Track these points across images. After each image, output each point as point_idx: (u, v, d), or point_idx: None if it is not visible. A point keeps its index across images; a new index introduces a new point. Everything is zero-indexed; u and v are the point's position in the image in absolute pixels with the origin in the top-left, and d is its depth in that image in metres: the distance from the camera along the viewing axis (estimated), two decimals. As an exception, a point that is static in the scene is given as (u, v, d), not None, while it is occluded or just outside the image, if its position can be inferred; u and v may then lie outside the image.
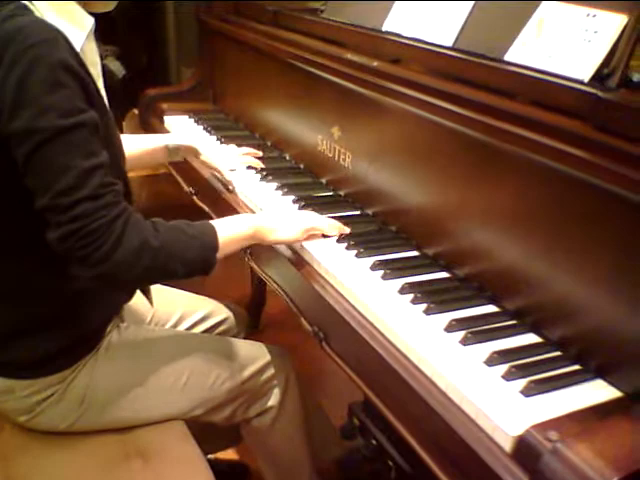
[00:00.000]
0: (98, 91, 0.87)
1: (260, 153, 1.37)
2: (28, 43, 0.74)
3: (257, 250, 1.10)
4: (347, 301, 0.89)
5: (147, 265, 0.81)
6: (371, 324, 0.83)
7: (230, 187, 1.27)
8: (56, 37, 0.76)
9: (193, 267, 0.88)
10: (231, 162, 1.31)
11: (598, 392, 0.69)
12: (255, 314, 1.98)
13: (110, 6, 0.93)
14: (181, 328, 1.22)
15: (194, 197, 1.41)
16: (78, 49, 0.82)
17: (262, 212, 1.10)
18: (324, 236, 1.03)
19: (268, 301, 1.98)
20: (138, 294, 1.08)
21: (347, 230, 1.04)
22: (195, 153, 1.28)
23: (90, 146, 0.79)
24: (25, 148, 0.76)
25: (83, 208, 0.76)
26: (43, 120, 0.75)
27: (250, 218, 0.99)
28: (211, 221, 0.93)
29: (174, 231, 0.86)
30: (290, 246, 1.03)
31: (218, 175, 1.30)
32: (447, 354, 0.75)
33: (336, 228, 1.03)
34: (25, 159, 0.76)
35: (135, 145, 1.22)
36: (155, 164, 1.34)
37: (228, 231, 0.93)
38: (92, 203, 0.77)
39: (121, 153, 0.97)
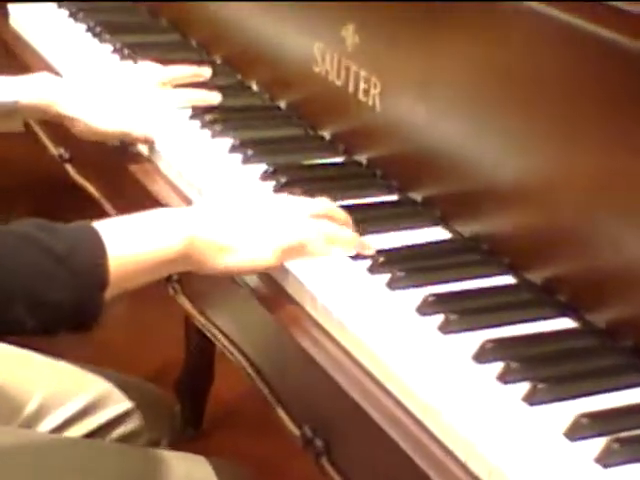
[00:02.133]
0: None
1: (206, 74, 1.40)
2: None
3: (190, 276, 1.11)
4: (373, 379, 0.89)
5: None
6: (424, 427, 0.83)
7: (141, 146, 1.29)
8: None
9: (55, 316, 0.88)
10: (145, 101, 1.32)
11: None
12: (195, 400, 2.00)
13: None
14: (40, 428, 1.23)
15: (68, 166, 1.43)
16: None
17: (198, 209, 1.10)
18: None
19: (219, 376, 2.00)
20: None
21: (370, 248, 1.05)
22: (55, 117, 1.31)
23: None
24: None
25: None
26: None
27: (177, 222, 0.98)
28: (98, 223, 0.93)
29: (15, 245, 0.87)
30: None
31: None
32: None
33: (348, 240, 1.04)
34: None
35: None
36: None
37: (132, 246, 0.93)
38: None
39: None
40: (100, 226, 0.92)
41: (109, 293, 0.90)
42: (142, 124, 1.30)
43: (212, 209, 1.06)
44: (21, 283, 0.85)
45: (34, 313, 0.86)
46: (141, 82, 1.37)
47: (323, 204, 1.07)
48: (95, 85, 1.35)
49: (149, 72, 1.40)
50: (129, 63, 1.49)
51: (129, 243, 0.93)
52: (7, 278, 0.85)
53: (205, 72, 1.41)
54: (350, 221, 1.07)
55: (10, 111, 1.28)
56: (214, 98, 1.37)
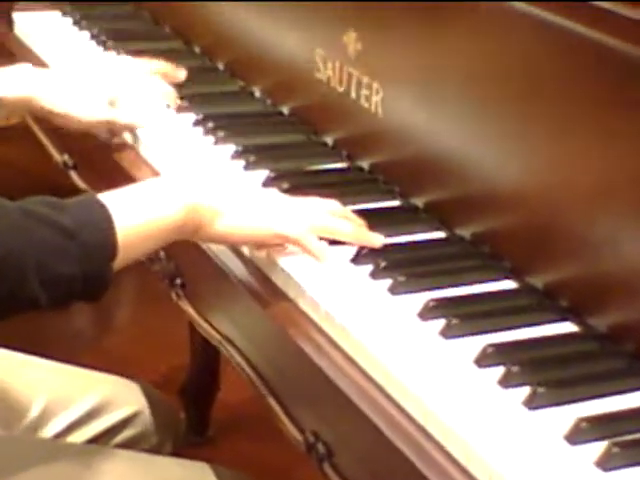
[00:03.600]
0: None
1: (182, 75, 1.40)
2: None
3: (194, 277, 1.13)
4: (374, 382, 0.90)
5: None
6: (423, 430, 0.84)
7: (141, 151, 1.29)
8: None
9: (66, 288, 0.89)
10: (124, 89, 1.32)
11: None
12: (200, 406, 2.00)
13: None
14: (44, 434, 1.23)
15: (71, 173, 1.43)
16: None
17: (199, 180, 1.10)
18: (333, 242, 1.05)
19: (225, 381, 2.00)
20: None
21: (377, 241, 1.06)
22: (34, 109, 1.30)
23: None
24: None
25: None
26: None
27: (177, 189, 1.00)
28: (103, 195, 0.95)
29: (26, 222, 0.88)
30: (257, 272, 1.05)
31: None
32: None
33: (357, 233, 1.05)
34: None
35: None
36: None
37: (136, 216, 0.95)
38: None
39: None
40: (106, 198, 0.94)
41: (117, 264, 0.92)
42: (126, 112, 1.30)
43: (207, 183, 1.07)
44: (34, 260, 0.86)
45: (47, 287, 0.87)
46: (121, 70, 1.37)
47: (331, 205, 1.08)
48: (76, 75, 1.35)
49: (128, 62, 1.40)
50: (110, 54, 1.51)
51: (135, 213, 0.95)
52: (20, 256, 0.86)
53: (181, 72, 1.41)
54: (360, 221, 1.07)
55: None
56: (181, 75, 1.39)
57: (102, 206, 0.92)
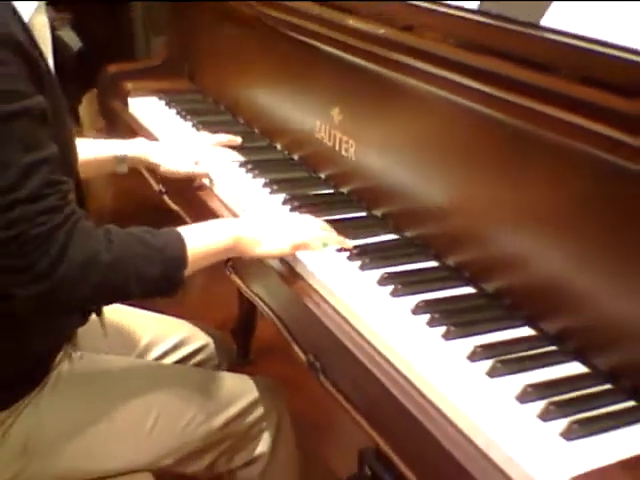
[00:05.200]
0: (49, 71, 0.88)
1: (238, 140, 1.38)
2: None
3: (240, 261, 1.12)
4: (349, 324, 0.89)
5: (95, 283, 0.83)
6: (378, 352, 0.84)
7: (207, 184, 1.28)
8: (1, 6, 0.78)
9: (153, 286, 0.89)
10: (200, 154, 1.31)
11: (658, 435, 0.69)
12: (244, 340, 1.99)
13: None
14: (149, 358, 1.23)
15: (164, 197, 1.43)
16: (26, 21, 0.83)
17: (243, 218, 1.12)
18: None
19: (260, 324, 1.99)
20: (94, 316, 1.09)
21: (348, 245, 1.03)
22: (147, 164, 1.30)
23: (33, 137, 0.80)
24: None
25: (20, 212, 0.78)
26: None
27: (229, 226, 1.00)
28: (181, 228, 0.94)
29: (131, 242, 0.88)
30: (282, 260, 1.04)
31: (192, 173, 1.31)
32: (471, 389, 0.75)
33: (334, 241, 1.04)
34: None
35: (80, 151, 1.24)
36: (103, 174, 1.37)
37: (200, 242, 0.94)
38: (31, 206, 0.78)
39: (72, 146, 0.99)
40: (182, 230, 0.94)
41: (186, 272, 0.91)
42: (201, 167, 1.29)
43: (248, 220, 1.07)
44: (135, 268, 0.86)
45: (140, 287, 0.88)
46: (200, 142, 1.36)
47: (319, 222, 1.06)
48: (173, 144, 1.35)
49: (204, 137, 1.39)
50: (193, 131, 1.49)
51: (199, 240, 0.94)
52: (127, 267, 0.86)
53: (237, 139, 1.39)
54: (337, 236, 1.04)
55: (122, 159, 1.26)
56: (238, 140, 1.37)
57: (179, 234, 0.92)
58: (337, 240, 1.04)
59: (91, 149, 1.24)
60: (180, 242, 0.91)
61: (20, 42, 0.78)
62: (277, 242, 0.99)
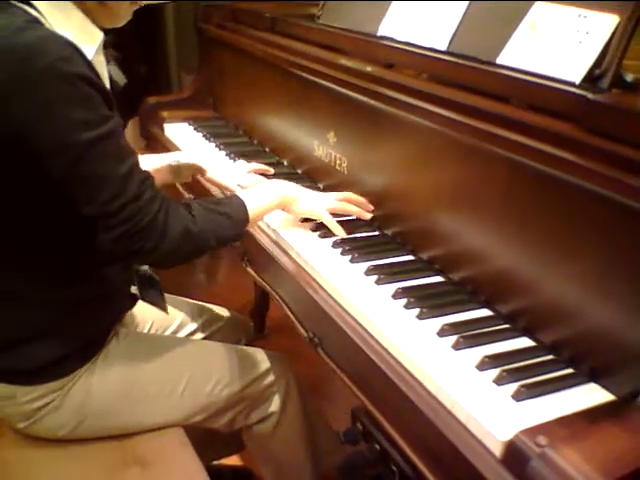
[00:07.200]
0: (112, 99, 0.88)
1: (271, 170, 1.31)
2: (48, 60, 0.74)
3: (253, 256, 1.12)
4: (340, 306, 0.89)
5: (189, 250, 0.89)
6: (364, 329, 0.84)
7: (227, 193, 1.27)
8: (73, 52, 0.77)
9: (226, 241, 0.95)
10: (239, 179, 1.27)
11: (590, 396, 0.69)
12: (259, 320, 1.99)
13: (119, 23, 0.91)
14: (181, 335, 1.22)
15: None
16: (90, 59, 0.83)
17: (288, 182, 1.10)
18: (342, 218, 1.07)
19: (271, 306, 1.99)
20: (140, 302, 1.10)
21: (367, 216, 1.09)
22: (200, 171, 1.25)
23: (122, 150, 0.82)
24: (60, 163, 0.78)
25: (130, 211, 0.81)
26: (76, 135, 0.77)
27: (277, 187, 1.05)
28: (239, 193, 1.01)
29: (208, 213, 0.92)
30: (285, 251, 1.04)
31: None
32: (439, 358, 0.75)
33: (355, 211, 1.09)
34: (61, 174, 0.79)
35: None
36: (161, 185, 1.33)
37: (257, 202, 1.00)
38: (136, 204, 0.82)
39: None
40: (242, 195, 0.99)
41: (249, 226, 0.99)
42: (234, 185, 1.25)
43: (292, 184, 1.09)
44: (214, 234, 0.92)
45: (218, 244, 0.94)
46: (237, 169, 1.29)
47: (345, 194, 1.11)
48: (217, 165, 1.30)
49: (241, 165, 1.34)
50: (216, 150, 1.47)
51: (256, 200, 1.00)
52: (208, 233, 0.91)
53: (270, 170, 1.31)
54: (361, 198, 1.11)
55: (175, 167, 1.22)
56: (271, 171, 1.32)
57: (242, 201, 0.98)
58: (357, 211, 1.09)
59: (147, 162, 1.23)
60: (243, 207, 0.97)
61: (91, 77, 0.78)
62: (313, 203, 1.06)
